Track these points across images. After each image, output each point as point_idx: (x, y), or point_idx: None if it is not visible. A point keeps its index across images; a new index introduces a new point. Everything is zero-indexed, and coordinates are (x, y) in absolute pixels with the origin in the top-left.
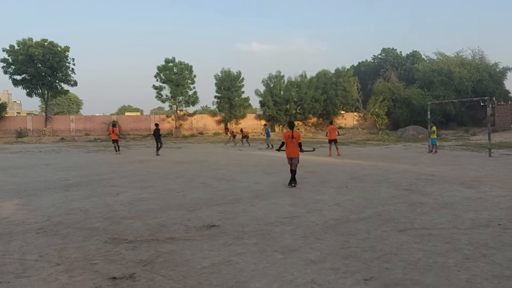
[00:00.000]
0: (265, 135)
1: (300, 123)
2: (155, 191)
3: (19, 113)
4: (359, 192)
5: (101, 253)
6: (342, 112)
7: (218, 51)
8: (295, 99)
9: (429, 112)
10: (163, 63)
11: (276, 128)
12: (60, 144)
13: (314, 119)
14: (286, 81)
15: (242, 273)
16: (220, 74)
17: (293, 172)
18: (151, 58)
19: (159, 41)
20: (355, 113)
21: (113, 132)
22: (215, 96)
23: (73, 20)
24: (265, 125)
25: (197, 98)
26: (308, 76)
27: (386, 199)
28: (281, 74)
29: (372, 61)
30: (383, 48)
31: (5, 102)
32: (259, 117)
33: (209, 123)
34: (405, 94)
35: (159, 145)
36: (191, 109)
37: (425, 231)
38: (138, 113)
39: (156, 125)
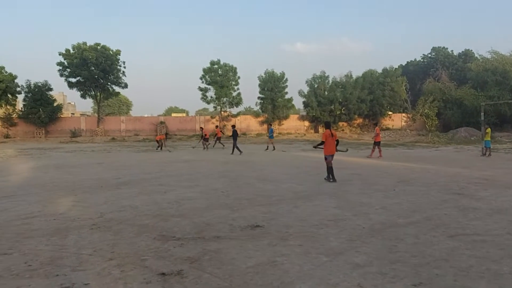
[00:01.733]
0: (268, 135)
1: (345, 124)
2: (200, 190)
3: (73, 114)
4: (407, 196)
5: (150, 249)
6: (390, 113)
7: (262, 52)
8: (340, 100)
9: (482, 113)
10: (209, 65)
11: (320, 130)
12: (111, 144)
13: (359, 120)
14: (330, 82)
15: (287, 274)
16: (263, 75)
17: (331, 169)
18: (197, 60)
19: (205, 43)
20: (403, 114)
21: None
22: (259, 97)
23: (124, 24)
24: (270, 125)
25: (240, 99)
26: (354, 76)
27: (436, 203)
28: (326, 74)
29: (422, 60)
30: (433, 47)
31: (60, 104)
32: (302, 118)
33: (252, 124)
34: (457, 94)
35: (235, 147)
36: (234, 110)
37: (478, 237)
38: (184, 114)
39: (233, 126)
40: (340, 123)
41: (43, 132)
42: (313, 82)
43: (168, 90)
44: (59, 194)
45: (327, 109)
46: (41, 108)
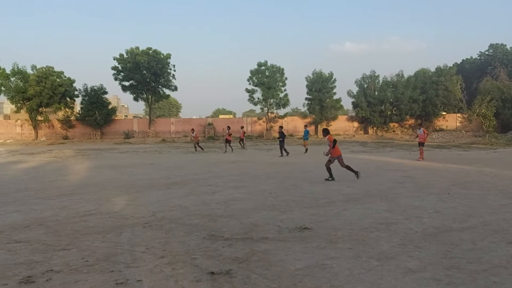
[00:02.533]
0: (303, 137)
1: (396, 125)
2: (248, 191)
3: (126, 116)
4: (463, 200)
5: (200, 248)
6: (443, 113)
7: (310, 52)
8: (391, 100)
9: None
10: (256, 66)
11: (369, 131)
12: (161, 145)
13: (411, 121)
14: (381, 81)
15: (336, 278)
16: (311, 76)
17: (330, 169)
18: (245, 61)
19: (252, 44)
20: (458, 115)
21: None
22: (306, 98)
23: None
24: (305, 126)
25: (288, 100)
26: (406, 76)
27: (494, 208)
28: (376, 74)
29: (478, 58)
30: (491, 44)
31: (115, 106)
32: (351, 119)
33: (300, 125)
34: None
35: (282, 148)
36: (281, 111)
37: None
38: (231, 116)
39: (281, 127)
40: (391, 124)
41: (99, 133)
42: (362, 82)
43: (215, 92)
44: (114, 193)
45: (377, 109)
46: (97, 110)
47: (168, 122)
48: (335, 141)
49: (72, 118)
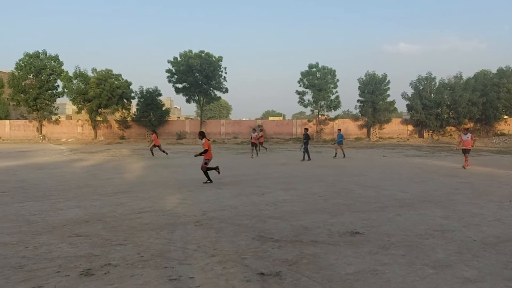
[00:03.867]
0: (336, 141)
1: (453, 128)
2: (297, 194)
3: (179, 117)
4: None
5: (250, 249)
6: (505, 117)
7: (363, 53)
8: (448, 103)
9: None
10: (307, 68)
11: (425, 134)
12: (212, 146)
13: (470, 124)
14: (437, 83)
15: (389, 284)
16: (364, 77)
17: (206, 172)
18: (295, 64)
19: (303, 46)
20: None
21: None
22: (358, 100)
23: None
24: (339, 130)
25: (339, 102)
26: (464, 77)
27: None
28: (432, 76)
29: None
30: None
31: (168, 108)
32: (405, 122)
33: (351, 128)
34: None
35: (305, 151)
36: (332, 114)
37: None
38: (281, 118)
39: (306, 130)
40: (448, 128)
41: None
42: (418, 84)
43: (265, 94)
44: (167, 191)
45: (433, 112)
46: (151, 112)
47: (219, 124)
48: (207, 150)
49: (129, 119)
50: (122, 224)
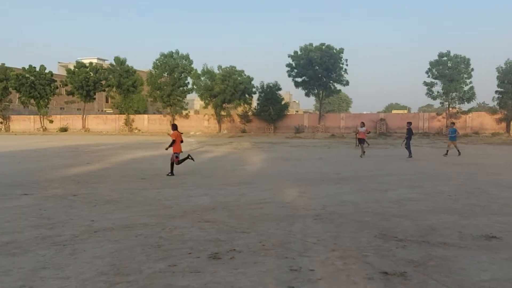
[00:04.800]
0: (448, 137)
1: None
2: (424, 192)
3: (297, 111)
4: None
5: (372, 246)
6: None
7: (501, 40)
8: None
9: None
10: (436, 57)
11: None
12: (331, 140)
13: None
14: None
15: None
16: (503, 66)
17: (172, 165)
18: (421, 53)
19: (431, 34)
20: None
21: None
22: (496, 91)
23: (346, 22)
24: (452, 124)
25: (473, 94)
26: None
27: None
28: None
29: None
30: None
31: (287, 102)
32: None
33: (487, 122)
34: None
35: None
36: (465, 106)
37: None
38: (405, 111)
39: (409, 123)
40: None
41: (272, 128)
42: None
43: (388, 86)
44: (286, 184)
45: None
46: (271, 106)
47: (338, 117)
48: (174, 140)
49: (250, 113)
50: (245, 213)
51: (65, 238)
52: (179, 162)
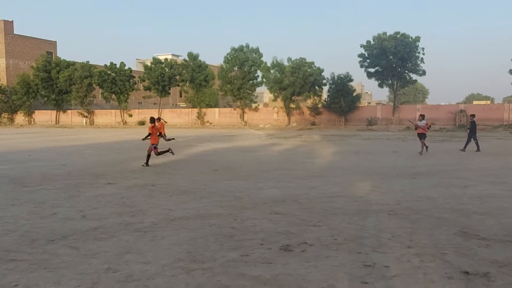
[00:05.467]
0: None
1: None
2: (508, 188)
3: (369, 103)
4: None
5: (451, 244)
6: None
7: None
8: None
9: None
10: None
11: None
12: (405, 133)
13: None
14: None
15: None
16: None
17: (149, 156)
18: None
19: None
20: None
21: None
22: None
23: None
24: (471, 116)
25: None
26: None
27: None
28: None
29: None
30: None
31: (359, 94)
32: None
33: None
34: None
35: (471, 141)
36: None
37: None
38: (488, 102)
39: (472, 116)
40: None
41: (343, 120)
42: None
43: (469, 76)
44: (358, 178)
45: None
46: (342, 98)
47: (414, 109)
48: (150, 132)
49: (320, 105)
50: (315, 206)
51: (145, 225)
52: (158, 154)
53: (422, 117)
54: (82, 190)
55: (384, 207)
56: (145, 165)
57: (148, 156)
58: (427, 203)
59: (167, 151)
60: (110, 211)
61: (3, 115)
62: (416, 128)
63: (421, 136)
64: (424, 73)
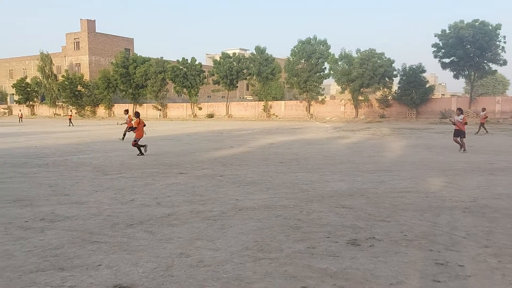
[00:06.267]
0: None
1: None
2: None
3: (443, 95)
4: None
5: None
6: None
7: None
8: None
9: None
10: None
11: None
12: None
13: None
14: None
15: None
16: None
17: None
18: None
19: None
20: None
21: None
22: None
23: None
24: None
25: None
26: None
27: None
28: None
29: None
30: None
31: (432, 85)
32: None
33: None
34: None
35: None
36: None
37: None
38: None
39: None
40: None
41: (414, 112)
42: None
43: None
44: (430, 173)
45: None
46: (413, 89)
47: (493, 101)
48: (136, 127)
49: (389, 97)
50: (384, 201)
51: (215, 214)
52: (135, 145)
53: (460, 111)
54: (157, 178)
55: (458, 204)
56: (140, 154)
57: (138, 147)
58: (507, 201)
59: (144, 146)
60: (182, 199)
61: (86, 108)
62: (454, 124)
63: (458, 133)
64: (505, 63)
